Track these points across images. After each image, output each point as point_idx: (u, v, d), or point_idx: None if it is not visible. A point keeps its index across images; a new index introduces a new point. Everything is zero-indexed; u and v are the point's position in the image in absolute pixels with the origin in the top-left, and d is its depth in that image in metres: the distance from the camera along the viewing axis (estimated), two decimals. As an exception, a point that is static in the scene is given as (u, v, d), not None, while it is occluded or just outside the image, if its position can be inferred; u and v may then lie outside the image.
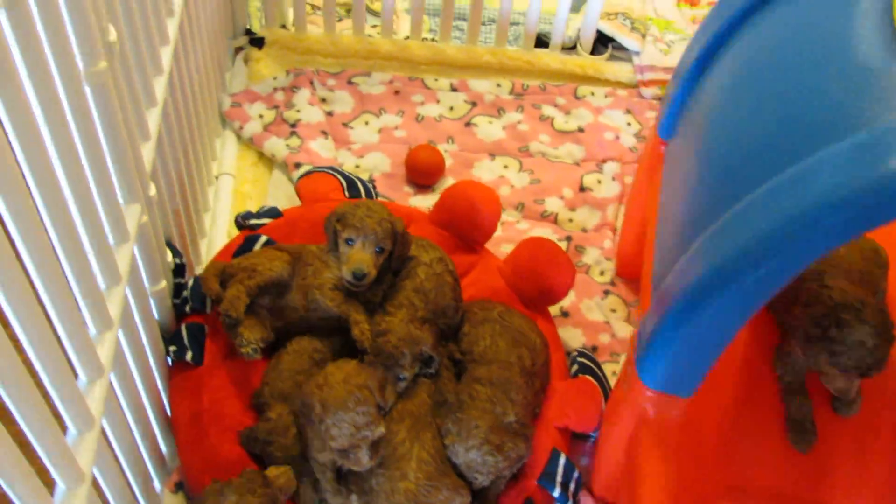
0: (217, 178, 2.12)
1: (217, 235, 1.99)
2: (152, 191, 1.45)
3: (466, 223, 1.85)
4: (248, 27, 2.40)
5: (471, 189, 1.87)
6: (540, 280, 1.79)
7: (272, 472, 1.42)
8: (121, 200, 1.31)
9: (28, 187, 0.95)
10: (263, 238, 1.76)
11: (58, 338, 1.04)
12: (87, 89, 1.14)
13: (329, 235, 1.64)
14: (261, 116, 2.20)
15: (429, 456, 1.46)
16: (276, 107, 2.23)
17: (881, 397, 1.73)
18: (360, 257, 1.57)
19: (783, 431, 1.70)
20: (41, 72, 0.98)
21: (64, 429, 1.09)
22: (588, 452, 1.77)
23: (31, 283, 0.96)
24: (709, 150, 1.45)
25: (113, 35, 1.21)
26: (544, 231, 2.10)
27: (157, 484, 1.56)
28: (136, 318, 1.40)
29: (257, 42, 2.37)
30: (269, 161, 2.17)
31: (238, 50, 2.40)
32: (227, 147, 2.17)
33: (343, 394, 1.38)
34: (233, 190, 2.10)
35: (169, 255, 1.64)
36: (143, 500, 1.45)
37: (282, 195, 2.10)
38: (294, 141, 2.15)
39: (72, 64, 1.08)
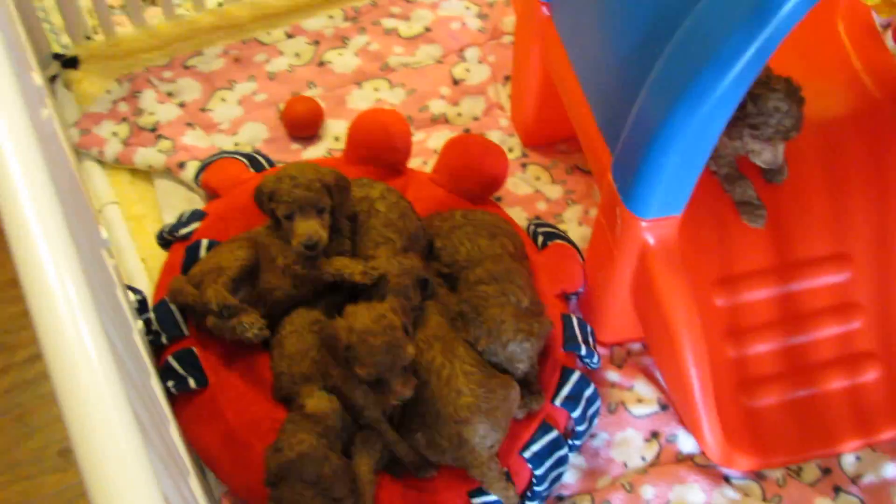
0: (100, 211, 1.99)
1: (132, 268, 1.88)
2: (104, 234, 1.36)
3: (384, 149, 1.83)
4: (52, 52, 2.23)
5: (375, 115, 1.86)
6: (479, 174, 1.81)
7: (308, 403, 1.45)
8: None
9: None
10: (205, 242, 1.69)
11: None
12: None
13: (268, 214, 1.59)
14: (115, 134, 2.07)
15: (471, 367, 1.47)
16: (125, 119, 2.10)
17: (803, 158, 1.86)
18: (305, 227, 1.52)
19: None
20: None
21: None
22: (574, 309, 1.82)
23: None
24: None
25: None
26: (441, 133, 2.10)
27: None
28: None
29: (71, 63, 2.21)
30: (145, 174, 2.05)
31: (53, 79, 2.23)
32: (94, 177, 2.04)
33: (368, 320, 1.37)
34: (124, 216, 1.98)
35: (130, 295, 1.55)
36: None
37: (177, 200, 1.99)
38: (164, 144, 2.05)
39: None
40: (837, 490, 1.69)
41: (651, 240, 1.52)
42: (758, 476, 1.69)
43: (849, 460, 1.72)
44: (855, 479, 1.70)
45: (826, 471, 1.71)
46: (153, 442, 0.99)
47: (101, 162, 2.07)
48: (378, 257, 1.54)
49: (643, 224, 1.49)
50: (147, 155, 2.03)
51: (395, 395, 1.38)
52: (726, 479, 1.69)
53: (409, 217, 1.62)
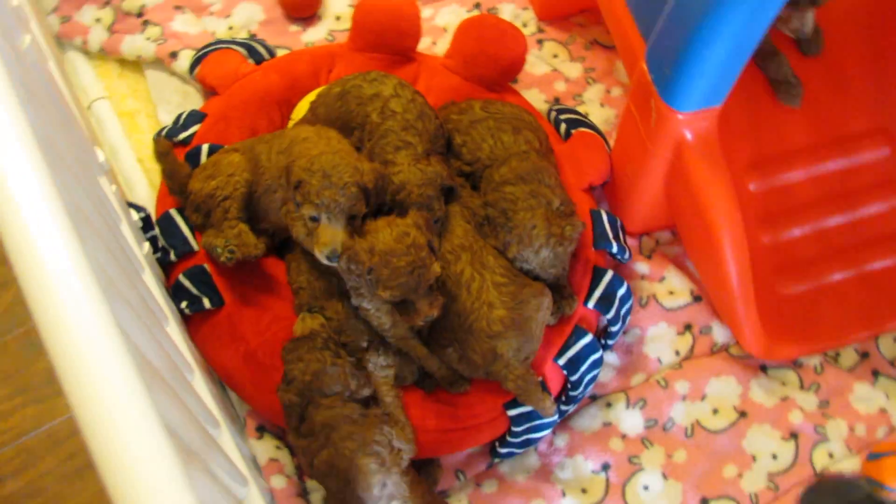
0: (89, 108, 1.87)
1: (128, 169, 1.77)
2: (100, 157, 1.26)
3: (392, 34, 1.71)
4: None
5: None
6: (496, 60, 1.69)
7: (295, 330, 1.41)
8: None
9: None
10: (206, 147, 1.59)
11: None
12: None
13: (291, 197, 1.39)
14: (98, 20, 1.92)
15: (501, 277, 1.41)
16: (108, 2, 1.95)
17: (841, 27, 1.75)
18: (330, 236, 1.32)
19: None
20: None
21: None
22: (598, 198, 1.75)
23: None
24: None
25: None
26: (451, 9, 1.96)
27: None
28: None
29: (41, -57, 2.04)
30: (135, 65, 1.92)
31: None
32: (80, 70, 1.91)
33: (390, 239, 1.29)
34: (115, 112, 1.87)
35: (133, 214, 1.46)
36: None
37: (171, 93, 1.87)
38: (152, 31, 1.90)
39: None
40: (876, 374, 1.66)
41: (689, 134, 1.43)
42: (794, 364, 1.66)
43: (887, 343, 1.68)
44: (893, 362, 1.67)
45: (864, 355, 1.68)
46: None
47: (86, 52, 1.93)
48: (399, 164, 1.43)
49: (681, 117, 1.40)
50: (135, 43, 1.89)
51: (421, 316, 1.31)
52: (762, 369, 1.65)
53: (427, 116, 1.51)
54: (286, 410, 1.33)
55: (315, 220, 1.33)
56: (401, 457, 1.32)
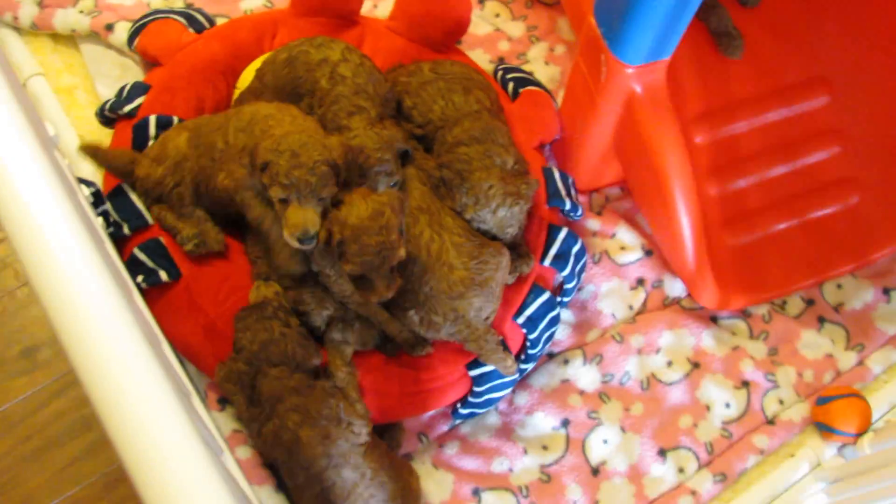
0: (24, 85, 1.82)
1: (70, 146, 1.72)
2: (51, 131, 1.23)
3: (335, -3, 1.69)
4: None
5: (322, -40, 1.69)
6: (442, 20, 1.68)
7: (250, 297, 1.41)
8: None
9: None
10: (153, 118, 1.55)
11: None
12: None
13: (254, 182, 1.36)
14: (27, -5, 1.87)
15: (460, 238, 1.40)
16: (37, -23, 1.89)
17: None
18: (300, 217, 1.28)
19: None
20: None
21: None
22: (548, 157, 1.76)
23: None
24: None
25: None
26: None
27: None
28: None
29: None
30: (69, 39, 1.87)
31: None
32: (12, 47, 1.85)
33: (364, 214, 1.27)
34: (53, 89, 1.81)
35: (84, 189, 1.43)
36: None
37: (109, 67, 1.82)
38: (85, 3, 1.84)
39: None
40: (822, 320, 1.70)
41: (638, 87, 1.44)
42: (744, 314, 1.70)
43: (830, 289, 1.73)
44: (838, 308, 1.72)
45: (810, 302, 1.72)
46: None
47: (16, 29, 1.87)
48: (354, 129, 1.41)
49: (630, 71, 1.41)
50: (68, 17, 1.83)
51: (377, 295, 1.30)
52: (713, 320, 1.69)
53: (376, 80, 1.49)
54: (236, 378, 1.33)
55: (284, 202, 1.29)
56: (351, 430, 1.32)
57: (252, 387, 1.33)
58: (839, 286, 1.73)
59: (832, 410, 1.56)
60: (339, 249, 1.28)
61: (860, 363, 1.67)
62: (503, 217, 1.43)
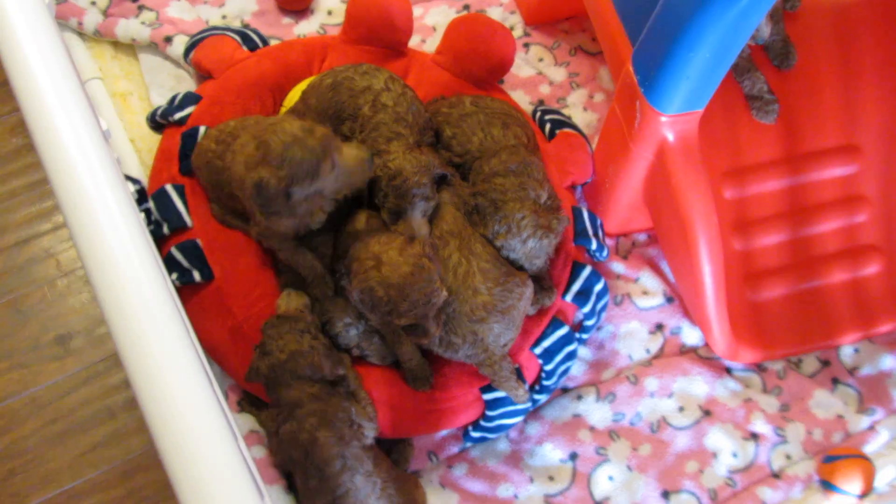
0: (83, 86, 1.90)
1: (121, 147, 1.81)
2: (104, 125, 1.30)
3: (385, 28, 1.75)
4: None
5: (374, -7, 1.76)
6: (486, 57, 1.74)
7: (280, 305, 1.45)
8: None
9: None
10: (203, 129, 1.62)
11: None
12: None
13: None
14: (93, 3, 1.96)
15: (487, 264, 1.45)
16: (104, -14, 1.99)
17: (816, 45, 1.82)
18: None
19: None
20: None
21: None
22: (579, 199, 1.81)
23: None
24: None
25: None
26: (439, 8, 2.02)
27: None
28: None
29: (41, -76, 2.07)
30: (128, 48, 1.96)
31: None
32: (75, 50, 1.94)
33: (405, 269, 1.32)
34: (109, 93, 1.90)
35: (130, 185, 1.50)
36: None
37: (164, 77, 1.90)
38: (148, 15, 1.94)
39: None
40: (836, 382, 1.72)
41: (671, 136, 1.48)
42: (759, 368, 1.72)
43: (847, 352, 1.75)
44: (853, 371, 1.73)
45: (825, 363, 1.74)
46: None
47: (80, 34, 1.96)
48: (394, 153, 1.46)
49: (664, 119, 1.45)
50: (130, 27, 1.92)
51: (430, 336, 1.37)
52: (728, 371, 1.71)
53: (416, 110, 1.55)
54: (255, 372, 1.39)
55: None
56: (361, 432, 1.37)
57: (269, 387, 1.39)
58: (856, 350, 1.75)
59: (838, 470, 1.58)
60: (387, 307, 1.33)
61: (871, 427, 1.68)
62: (532, 248, 1.48)
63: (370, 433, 1.40)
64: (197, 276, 1.51)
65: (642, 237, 1.82)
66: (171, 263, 1.52)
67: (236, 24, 1.95)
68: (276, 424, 1.36)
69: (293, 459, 1.35)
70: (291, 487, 1.42)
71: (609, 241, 1.79)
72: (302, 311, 1.44)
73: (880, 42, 1.81)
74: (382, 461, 1.40)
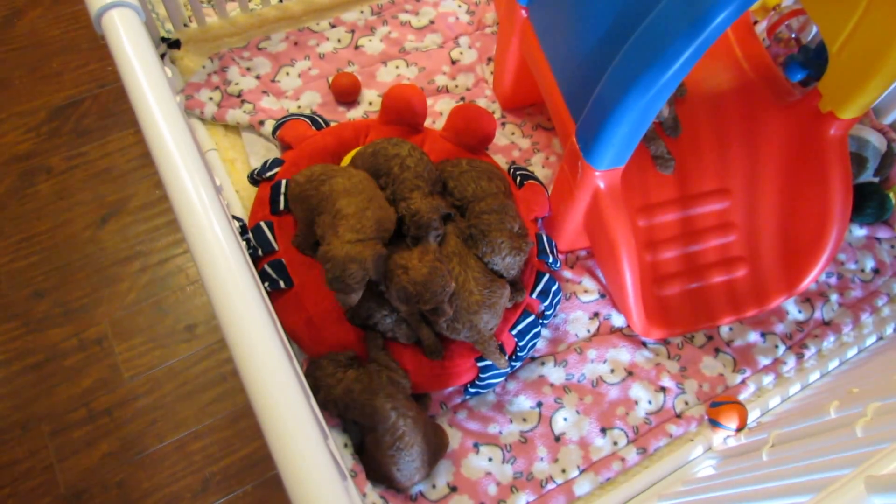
0: (203, 156, 1.88)
1: (229, 196, 1.79)
2: (217, 182, 1.28)
3: (408, 114, 1.73)
4: (161, 36, 2.07)
5: (401, 90, 1.73)
6: (477, 132, 1.72)
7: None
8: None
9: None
10: (284, 182, 1.60)
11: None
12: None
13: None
14: (211, 99, 1.95)
15: (479, 273, 1.43)
16: (218, 87, 1.97)
17: (698, 120, 1.80)
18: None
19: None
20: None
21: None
22: (541, 227, 1.78)
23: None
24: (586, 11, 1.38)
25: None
26: (444, 100, 1.99)
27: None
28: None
29: (175, 44, 2.05)
30: (234, 129, 1.94)
31: (162, 56, 2.07)
32: (199, 131, 1.93)
33: (425, 270, 1.31)
34: (221, 159, 1.88)
35: (235, 222, 1.47)
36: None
37: (259, 148, 1.89)
38: (247, 107, 1.93)
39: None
40: (717, 350, 1.70)
41: (602, 184, 1.46)
42: (665, 342, 1.70)
43: (725, 330, 1.72)
44: (729, 343, 1.71)
45: (710, 337, 1.71)
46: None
47: (202, 119, 1.94)
48: (414, 199, 1.45)
49: (597, 173, 1.44)
50: (235, 115, 1.91)
51: (446, 315, 1.35)
52: (644, 344, 1.69)
53: (430, 168, 1.54)
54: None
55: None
56: (401, 387, 1.34)
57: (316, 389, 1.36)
58: (731, 328, 1.72)
59: (721, 412, 1.55)
60: (416, 298, 1.32)
61: (742, 382, 1.66)
62: (509, 262, 1.46)
63: (406, 383, 1.38)
64: (282, 284, 1.48)
65: (584, 253, 1.79)
66: (263, 276, 1.50)
67: (307, 112, 1.93)
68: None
69: (361, 422, 1.32)
70: (346, 430, 1.39)
71: (561, 256, 1.76)
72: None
73: (743, 119, 1.79)
74: (420, 414, 1.37)
